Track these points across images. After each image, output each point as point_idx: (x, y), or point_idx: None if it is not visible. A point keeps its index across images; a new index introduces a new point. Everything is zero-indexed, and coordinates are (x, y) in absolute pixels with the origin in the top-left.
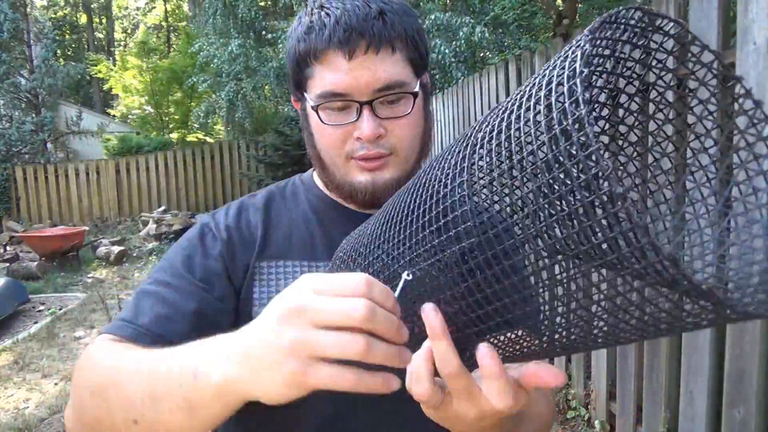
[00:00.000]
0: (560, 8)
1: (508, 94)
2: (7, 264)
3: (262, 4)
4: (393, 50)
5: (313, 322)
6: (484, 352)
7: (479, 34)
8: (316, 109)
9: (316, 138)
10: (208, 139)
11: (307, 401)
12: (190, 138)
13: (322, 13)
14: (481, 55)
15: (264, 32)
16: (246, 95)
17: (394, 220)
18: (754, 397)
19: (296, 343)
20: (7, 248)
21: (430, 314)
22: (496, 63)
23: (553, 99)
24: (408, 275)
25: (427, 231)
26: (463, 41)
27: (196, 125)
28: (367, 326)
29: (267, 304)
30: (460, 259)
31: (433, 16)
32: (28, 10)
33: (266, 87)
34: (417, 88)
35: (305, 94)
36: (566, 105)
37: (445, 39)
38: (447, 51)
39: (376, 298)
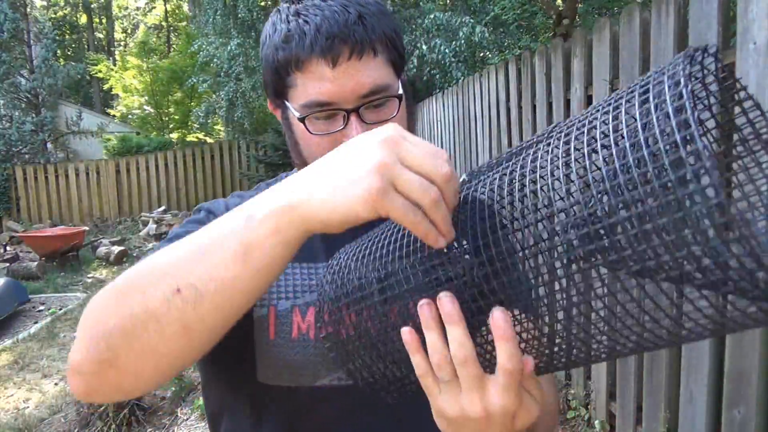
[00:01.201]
0: (560, 8)
1: (508, 94)
2: (7, 264)
3: (263, 4)
4: (375, 54)
5: (402, 157)
6: (497, 315)
7: (479, 34)
8: (302, 119)
9: (302, 146)
10: (208, 139)
11: (312, 408)
12: (190, 138)
13: (300, 21)
14: (481, 55)
15: None
16: (245, 95)
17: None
18: (754, 397)
19: (386, 164)
20: (7, 248)
21: (446, 303)
22: (496, 63)
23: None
24: (466, 177)
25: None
26: (463, 41)
27: (196, 125)
28: (443, 185)
29: (268, 305)
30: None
31: (432, 16)
32: (28, 10)
33: None
34: (400, 90)
35: (287, 103)
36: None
37: (445, 39)
38: (447, 51)
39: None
